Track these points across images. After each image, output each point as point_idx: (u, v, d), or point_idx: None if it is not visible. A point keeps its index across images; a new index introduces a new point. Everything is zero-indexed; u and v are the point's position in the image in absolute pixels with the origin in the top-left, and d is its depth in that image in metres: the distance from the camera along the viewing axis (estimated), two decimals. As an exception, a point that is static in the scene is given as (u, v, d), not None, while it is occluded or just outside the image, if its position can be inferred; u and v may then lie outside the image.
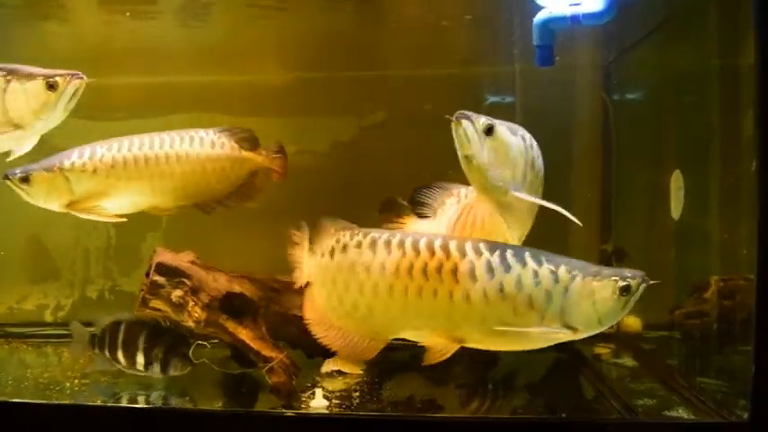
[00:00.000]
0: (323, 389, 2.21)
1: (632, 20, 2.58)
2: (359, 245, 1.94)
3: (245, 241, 3.02)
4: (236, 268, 2.46)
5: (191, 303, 2.23)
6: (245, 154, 2.48)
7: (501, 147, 1.91)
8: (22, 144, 2.16)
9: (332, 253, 1.98)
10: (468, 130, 1.89)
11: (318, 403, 2.10)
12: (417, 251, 1.87)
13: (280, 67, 3.08)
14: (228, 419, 2.07)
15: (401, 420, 2.03)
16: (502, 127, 1.92)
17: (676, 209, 2.30)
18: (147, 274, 2.26)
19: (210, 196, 2.50)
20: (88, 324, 2.42)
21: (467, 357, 2.70)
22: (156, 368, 2.31)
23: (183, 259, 2.31)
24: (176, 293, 2.23)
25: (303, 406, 2.10)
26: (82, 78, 2.10)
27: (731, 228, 2.10)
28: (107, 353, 2.34)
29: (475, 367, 2.69)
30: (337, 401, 2.15)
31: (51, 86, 2.08)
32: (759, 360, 1.81)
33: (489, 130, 1.90)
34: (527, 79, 2.94)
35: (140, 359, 2.31)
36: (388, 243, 1.91)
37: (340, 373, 2.43)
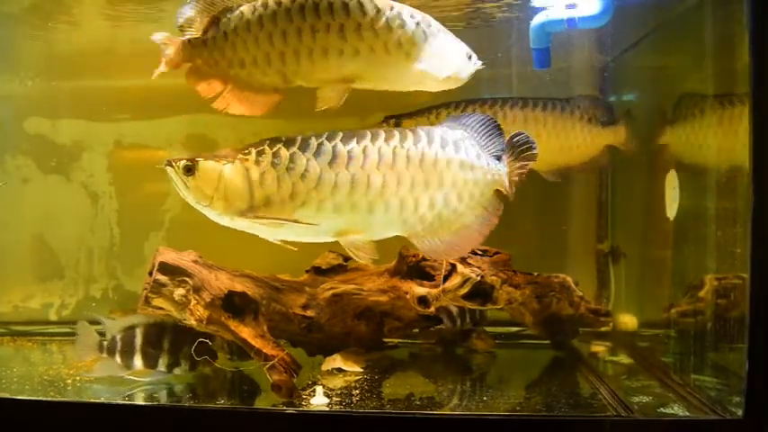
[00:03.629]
0: (323, 386, 2.23)
1: (628, 23, 2.60)
2: None
3: (246, 240, 3.03)
4: (237, 267, 2.48)
5: (193, 302, 2.22)
6: None
7: (208, 181, 1.93)
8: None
9: None
10: (172, 175, 1.95)
11: (319, 401, 2.12)
12: None
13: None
14: (230, 417, 2.08)
15: (401, 418, 2.03)
16: (208, 163, 1.93)
17: (671, 208, 2.31)
18: (150, 273, 2.26)
19: None
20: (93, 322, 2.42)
21: (463, 354, 2.76)
22: (185, 367, 2.35)
23: (185, 258, 2.31)
24: (179, 292, 2.23)
25: (304, 403, 2.11)
26: None
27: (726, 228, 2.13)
28: (119, 359, 2.34)
29: (473, 365, 2.72)
30: (337, 399, 2.16)
31: None
32: (753, 357, 1.84)
33: (189, 170, 1.93)
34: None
35: (164, 360, 2.34)
36: None
37: (340, 370, 2.46)
